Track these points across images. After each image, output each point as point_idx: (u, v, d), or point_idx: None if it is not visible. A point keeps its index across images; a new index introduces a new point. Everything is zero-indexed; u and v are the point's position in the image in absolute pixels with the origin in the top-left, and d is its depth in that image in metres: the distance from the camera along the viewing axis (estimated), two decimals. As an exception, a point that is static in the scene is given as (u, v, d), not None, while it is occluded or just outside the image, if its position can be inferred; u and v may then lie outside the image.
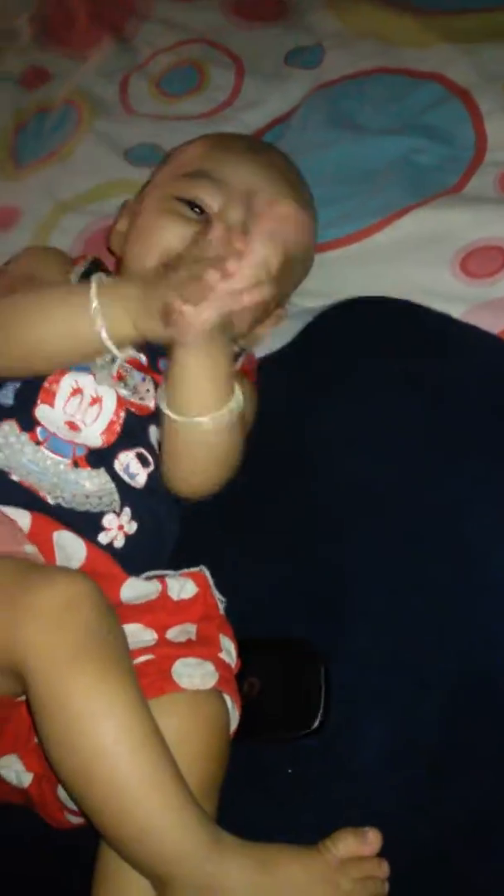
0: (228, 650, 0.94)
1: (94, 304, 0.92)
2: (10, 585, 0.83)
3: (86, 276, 1.12)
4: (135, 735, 0.78)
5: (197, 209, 1.09)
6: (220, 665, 0.91)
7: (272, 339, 1.19)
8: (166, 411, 0.97)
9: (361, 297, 1.19)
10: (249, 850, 0.79)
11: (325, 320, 1.19)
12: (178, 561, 1.00)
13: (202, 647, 0.92)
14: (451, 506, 0.98)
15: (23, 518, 0.93)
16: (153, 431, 1.02)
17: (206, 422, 0.96)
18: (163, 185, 1.16)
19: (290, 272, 1.16)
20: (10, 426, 0.98)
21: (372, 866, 0.81)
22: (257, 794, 0.88)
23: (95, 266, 1.16)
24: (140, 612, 0.94)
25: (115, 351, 0.93)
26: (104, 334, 0.93)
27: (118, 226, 1.19)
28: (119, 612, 0.91)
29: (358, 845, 0.81)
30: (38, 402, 0.99)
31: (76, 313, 0.94)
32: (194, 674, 0.89)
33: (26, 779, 0.89)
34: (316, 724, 0.89)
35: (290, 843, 0.81)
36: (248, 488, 1.02)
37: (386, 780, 0.87)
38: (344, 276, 1.24)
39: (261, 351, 1.18)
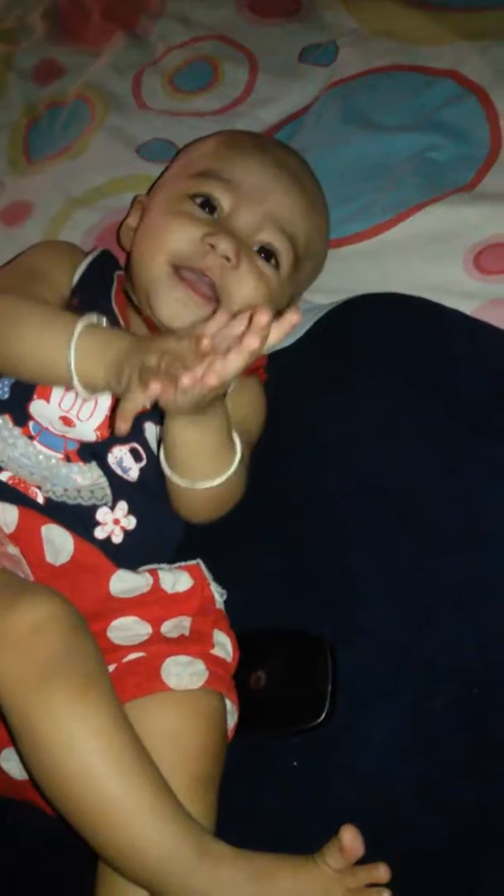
0: (223, 645, 0.94)
1: (71, 352, 0.89)
2: None
3: (91, 267, 1.13)
4: (110, 753, 0.78)
5: (206, 209, 1.09)
6: (212, 662, 0.91)
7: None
8: (168, 473, 0.95)
9: (374, 293, 1.18)
10: (241, 860, 0.79)
11: (337, 316, 1.18)
12: (181, 554, 1.00)
13: (194, 643, 0.92)
14: (464, 497, 0.98)
15: (10, 513, 0.94)
16: (148, 427, 1.01)
17: (210, 484, 0.95)
18: (173, 182, 1.16)
19: (302, 273, 1.15)
20: (4, 420, 0.98)
21: (369, 874, 0.80)
22: (263, 787, 0.88)
23: (104, 258, 1.17)
24: (134, 605, 0.94)
25: (84, 393, 0.91)
26: (75, 379, 0.90)
27: (129, 220, 1.19)
28: (112, 606, 0.92)
29: (344, 855, 0.79)
30: (34, 397, 0.99)
31: (54, 347, 0.91)
32: (183, 673, 0.89)
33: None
34: (323, 716, 0.88)
35: (295, 835, 0.80)
36: (256, 482, 1.02)
37: (395, 775, 0.86)
38: (357, 272, 1.23)
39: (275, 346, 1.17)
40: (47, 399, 0.99)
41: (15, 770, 0.89)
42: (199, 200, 1.09)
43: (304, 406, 1.11)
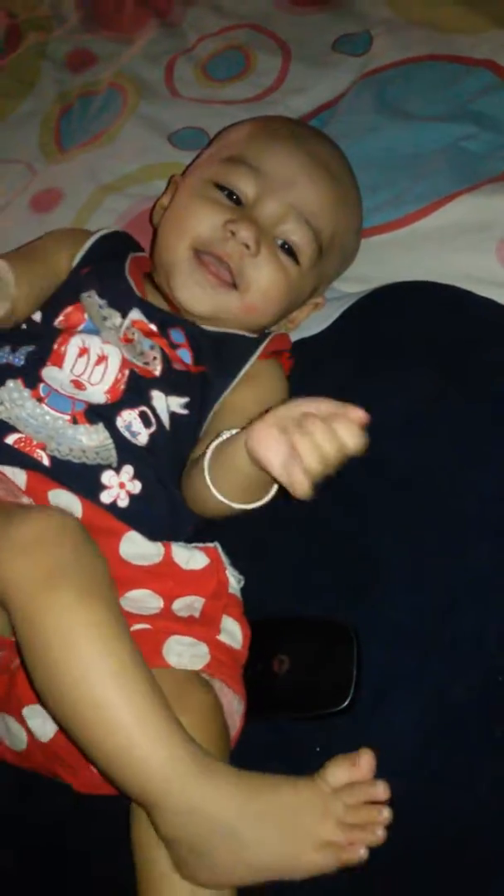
0: (231, 632, 0.93)
1: None
2: None
3: (102, 241, 1.16)
4: (116, 656, 0.78)
5: (233, 196, 1.09)
6: (217, 647, 0.90)
7: (315, 321, 1.18)
8: (214, 492, 0.95)
9: (405, 281, 1.18)
10: (241, 777, 0.79)
11: (366, 304, 1.17)
12: (202, 538, 1.00)
13: (201, 627, 0.91)
14: (489, 487, 0.97)
15: (19, 476, 0.94)
16: (155, 395, 1.02)
17: (245, 507, 0.96)
18: (204, 166, 1.16)
19: (327, 265, 1.15)
20: (16, 384, 1.00)
21: (366, 791, 0.79)
22: (285, 771, 0.86)
23: (118, 236, 1.20)
24: (148, 576, 0.94)
25: None
26: None
27: (162, 199, 1.20)
28: (126, 574, 0.92)
29: (350, 771, 0.79)
30: (48, 363, 1.00)
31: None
32: (185, 653, 0.88)
33: (50, 730, 0.88)
34: (347, 702, 0.88)
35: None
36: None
37: (418, 761, 0.85)
38: (389, 260, 1.23)
39: (304, 332, 1.17)
40: (60, 365, 1.01)
41: (39, 727, 0.89)
42: (225, 187, 1.10)
43: (330, 393, 1.10)
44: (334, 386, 1.11)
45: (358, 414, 0.85)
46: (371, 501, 1.01)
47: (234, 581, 0.98)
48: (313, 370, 1.13)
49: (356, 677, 0.88)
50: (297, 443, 0.84)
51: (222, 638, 0.92)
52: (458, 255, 1.19)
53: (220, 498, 0.95)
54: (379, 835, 0.78)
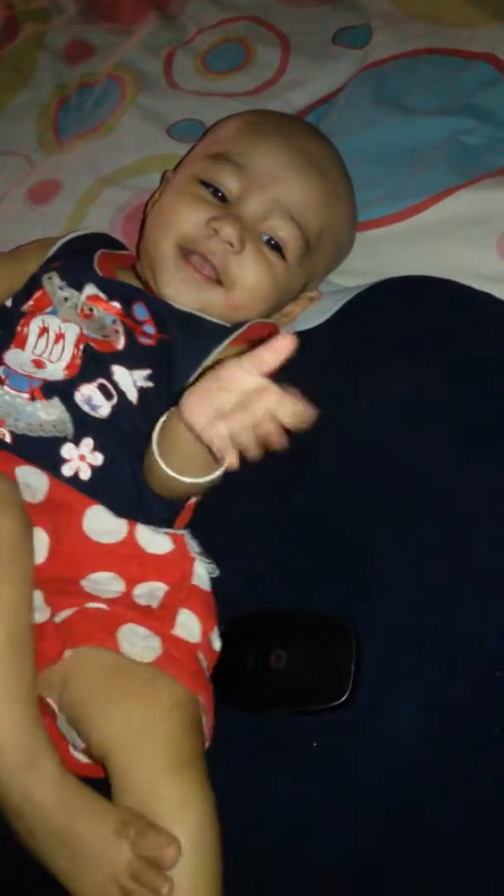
0: (187, 626, 0.94)
1: None
2: None
3: (75, 240, 1.19)
4: (4, 636, 0.82)
5: (218, 193, 1.10)
6: (171, 642, 0.91)
7: (313, 314, 1.18)
8: (161, 465, 0.96)
9: (403, 276, 1.17)
10: (58, 787, 0.81)
11: (364, 298, 1.17)
12: (193, 530, 1.01)
13: (156, 620, 0.92)
14: (489, 483, 0.97)
15: None
16: (117, 369, 1.03)
17: (196, 480, 0.96)
18: (190, 163, 1.17)
19: (317, 260, 1.15)
20: None
21: (155, 878, 0.79)
22: (281, 767, 0.88)
23: (90, 236, 1.21)
24: (111, 557, 0.95)
25: None
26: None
27: (155, 195, 1.21)
28: (90, 554, 0.94)
29: (152, 848, 0.79)
30: (11, 346, 1.03)
31: None
32: (138, 643, 0.89)
33: None
34: (345, 697, 0.88)
35: (311, 815, 0.79)
36: (276, 461, 1.01)
37: (415, 758, 0.86)
38: (387, 255, 1.23)
39: (302, 325, 1.17)
40: (22, 346, 1.03)
41: None
42: (209, 185, 1.10)
43: (327, 387, 1.09)
44: (330, 380, 1.12)
45: (281, 346, 0.85)
46: (371, 496, 1.00)
47: (204, 571, 0.98)
48: (309, 364, 1.12)
49: (354, 672, 0.88)
50: (224, 407, 0.85)
51: (177, 632, 0.92)
52: (457, 250, 1.19)
53: (169, 472, 0.95)
54: None
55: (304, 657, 0.92)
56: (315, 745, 0.88)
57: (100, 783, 0.85)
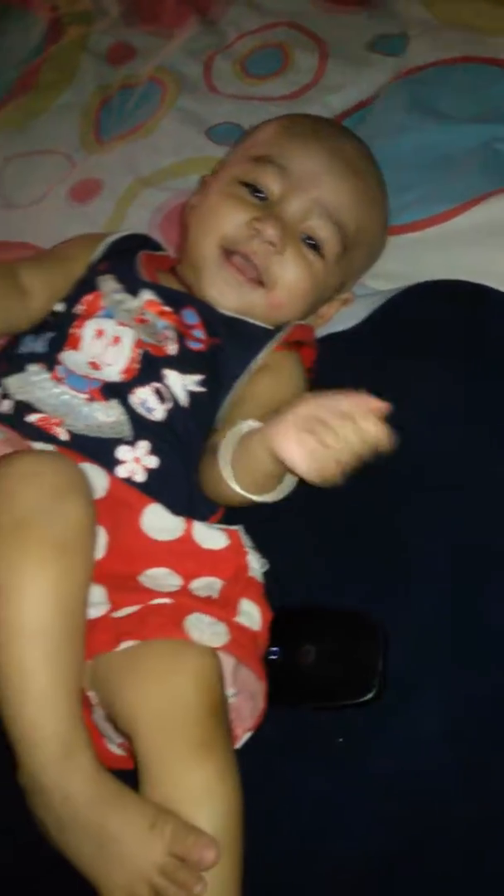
0: (249, 614, 0.94)
1: None
2: None
3: (122, 241, 1.19)
4: (51, 628, 0.81)
5: (259, 194, 1.11)
6: (236, 628, 0.91)
7: (347, 316, 1.19)
8: (235, 488, 0.97)
9: (435, 280, 1.18)
10: (92, 782, 0.81)
11: (400, 301, 1.18)
12: (231, 524, 1.01)
13: (219, 608, 0.93)
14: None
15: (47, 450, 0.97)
16: (170, 374, 1.04)
17: (260, 499, 0.98)
18: (231, 166, 1.18)
19: (353, 261, 1.17)
20: (36, 367, 1.03)
21: (189, 877, 0.79)
22: (306, 762, 0.88)
23: (134, 237, 1.22)
24: (168, 554, 0.95)
25: None
26: None
27: (192, 199, 1.22)
28: (147, 550, 0.94)
29: (189, 848, 0.79)
30: (66, 347, 1.04)
31: None
32: (206, 630, 0.89)
33: None
34: (372, 694, 0.88)
35: (335, 810, 0.80)
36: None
37: (441, 757, 0.86)
38: (421, 259, 1.24)
39: (336, 327, 1.19)
40: (77, 347, 1.04)
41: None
42: (251, 185, 1.12)
43: (360, 386, 1.12)
44: (360, 382, 1.13)
45: (378, 405, 0.87)
46: (403, 496, 1.01)
47: (257, 564, 0.99)
48: (344, 363, 1.14)
49: (382, 670, 0.89)
50: (323, 439, 0.86)
51: (240, 620, 0.93)
52: (491, 255, 1.20)
53: (239, 490, 0.97)
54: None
55: (333, 654, 0.92)
56: (340, 740, 0.89)
57: (129, 775, 0.85)
